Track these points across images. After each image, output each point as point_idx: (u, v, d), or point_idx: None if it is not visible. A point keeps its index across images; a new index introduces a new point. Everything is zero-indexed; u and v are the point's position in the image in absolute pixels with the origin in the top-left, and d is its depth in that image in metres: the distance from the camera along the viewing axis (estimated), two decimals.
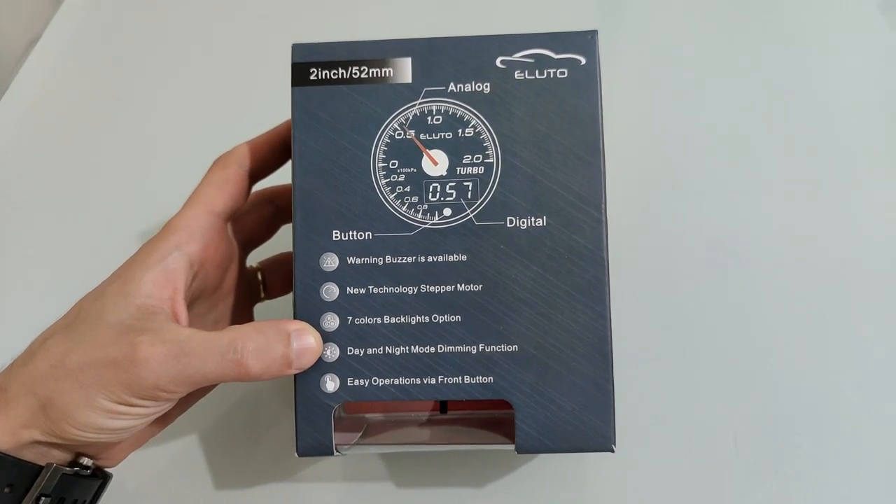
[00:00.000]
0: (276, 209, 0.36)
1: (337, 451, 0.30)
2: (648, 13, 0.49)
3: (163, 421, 0.32)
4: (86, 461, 0.30)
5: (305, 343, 0.29)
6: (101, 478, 0.31)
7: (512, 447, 0.30)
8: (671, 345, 0.39)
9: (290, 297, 0.37)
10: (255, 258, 0.37)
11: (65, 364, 0.27)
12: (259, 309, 0.37)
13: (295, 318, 0.30)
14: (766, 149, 0.44)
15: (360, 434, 0.33)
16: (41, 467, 0.28)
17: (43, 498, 0.28)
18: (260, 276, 0.37)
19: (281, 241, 0.37)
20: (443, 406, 0.34)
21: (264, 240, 0.37)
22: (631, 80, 0.46)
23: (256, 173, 0.33)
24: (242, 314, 0.36)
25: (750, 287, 0.40)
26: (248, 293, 0.36)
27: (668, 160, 0.44)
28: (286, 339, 0.28)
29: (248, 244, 0.36)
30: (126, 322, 0.27)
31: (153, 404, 0.28)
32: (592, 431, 0.29)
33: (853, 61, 0.46)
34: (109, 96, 0.50)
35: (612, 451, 0.29)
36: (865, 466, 0.36)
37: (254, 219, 0.36)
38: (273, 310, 0.38)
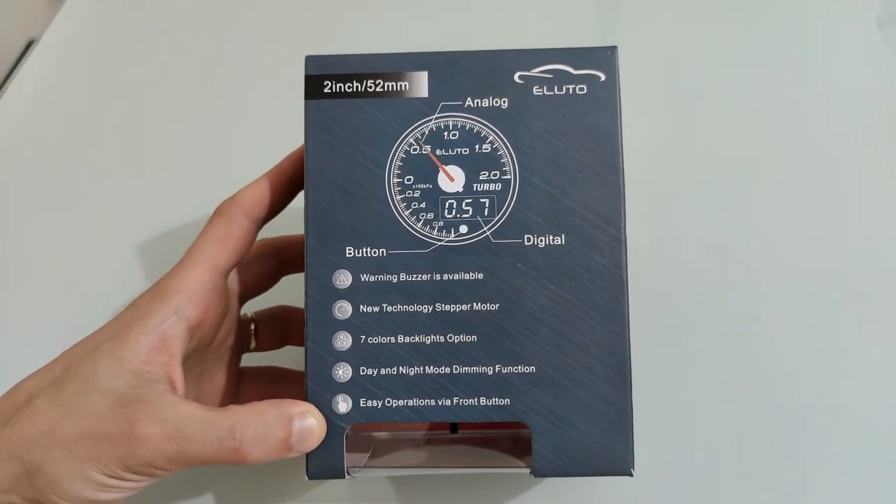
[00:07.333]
0: (281, 262, 0.35)
1: (348, 473, 0.29)
2: (644, 26, 0.49)
3: None
4: None
5: (307, 428, 0.28)
6: None
7: (527, 471, 0.29)
8: (672, 350, 0.38)
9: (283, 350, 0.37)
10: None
11: (56, 432, 0.26)
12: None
13: (306, 336, 0.29)
14: (772, 159, 0.44)
15: (368, 454, 0.32)
16: None
17: None
18: (253, 327, 0.35)
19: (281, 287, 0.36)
20: (453, 425, 0.33)
21: (264, 291, 0.35)
22: (630, 92, 0.46)
23: (263, 219, 0.32)
24: (231, 365, 0.34)
25: (752, 292, 0.40)
26: (238, 343, 0.35)
27: (670, 174, 0.44)
28: (287, 425, 0.27)
29: (246, 295, 0.34)
30: (121, 389, 0.27)
31: (146, 479, 0.27)
32: (611, 455, 0.29)
33: (856, 74, 0.46)
34: (109, 100, 0.49)
35: (631, 475, 0.29)
36: (869, 470, 0.35)
37: (256, 271, 0.34)
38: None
